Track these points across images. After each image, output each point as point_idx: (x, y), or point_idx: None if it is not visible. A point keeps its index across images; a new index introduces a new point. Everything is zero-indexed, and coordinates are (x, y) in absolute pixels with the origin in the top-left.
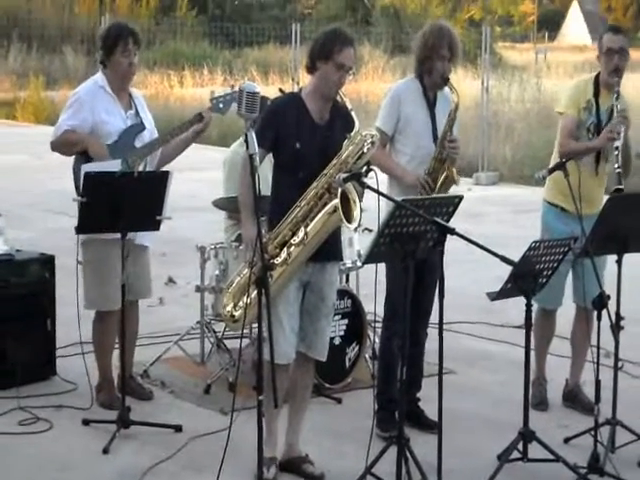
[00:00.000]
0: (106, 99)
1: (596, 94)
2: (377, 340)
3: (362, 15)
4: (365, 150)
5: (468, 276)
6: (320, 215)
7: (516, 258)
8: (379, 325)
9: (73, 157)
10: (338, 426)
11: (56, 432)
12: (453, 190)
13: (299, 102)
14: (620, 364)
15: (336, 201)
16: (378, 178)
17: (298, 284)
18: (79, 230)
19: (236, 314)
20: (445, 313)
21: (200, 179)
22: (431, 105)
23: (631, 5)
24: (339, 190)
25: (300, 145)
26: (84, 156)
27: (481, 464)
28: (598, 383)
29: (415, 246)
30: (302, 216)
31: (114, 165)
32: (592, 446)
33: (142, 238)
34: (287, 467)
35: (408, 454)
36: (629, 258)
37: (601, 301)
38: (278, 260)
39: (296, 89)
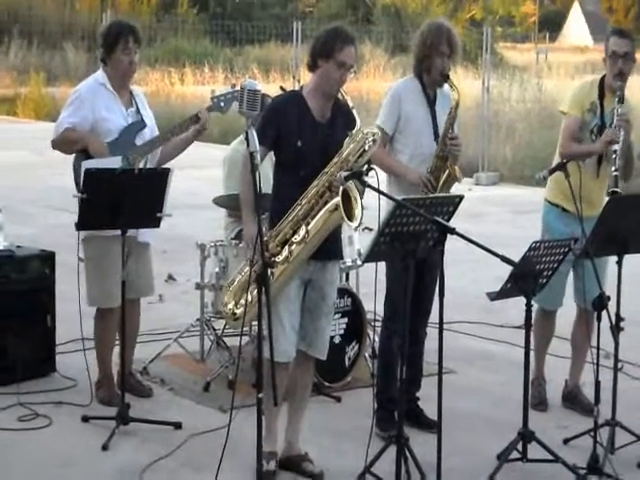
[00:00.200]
0: (107, 96)
1: (601, 96)
2: (377, 339)
3: (363, 14)
4: (366, 148)
5: (468, 276)
6: (321, 213)
7: (516, 258)
8: (379, 324)
9: (74, 155)
10: (337, 425)
11: (56, 428)
12: (455, 188)
13: (300, 100)
14: (620, 365)
15: (337, 199)
16: (379, 177)
17: (299, 282)
18: (79, 227)
19: (237, 312)
20: (445, 313)
21: (200, 177)
22: (431, 103)
23: (632, 6)
24: (340, 188)
25: (301, 143)
26: (84, 154)
27: (480, 464)
28: (598, 384)
29: (415, 245)
30: (303, 214)
31: (114, 162)
32: (591, 447)
33: (144, 235)
34: (286, 465)
35: (407, 453)
36: (629, 259)
37: (601, 302)
38: (279, 258)
39: (297, 87)
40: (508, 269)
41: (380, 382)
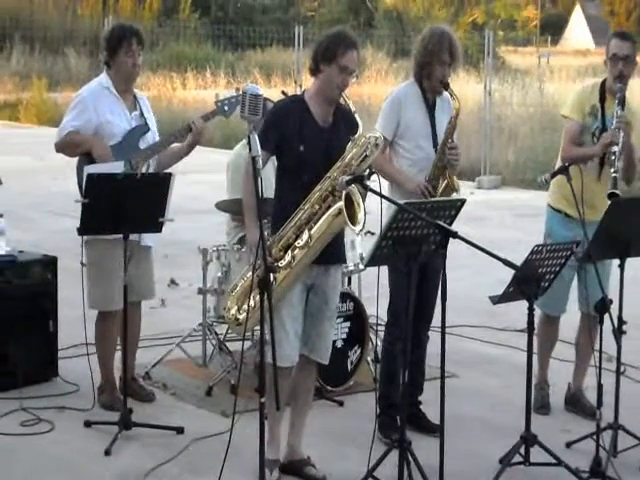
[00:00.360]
0: (110, 100)
1: (602, 99)
2: (379, 343)
3: (365, 18)
4: (369, 152)
5: (470, 279)
6: (324, 217)
7: (518, 262)
8: (381, 328)
9: (77, 158)
10: (340, 429)
11: (58, 433)
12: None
13: (302, 105)
14: (622, 368)
15: (340, 203)
16: (381, 181)
17: (302, 287)
18: (81, 232)
19: (240, 317)
20: (447, 316)
21: (203, 181)
22: (430, 109)
23: (634, 9)
24: (343, 192)
25: (304, 148)
26: (88, 157)
27: (483, 468)
28: (600, 387)
29: (418, 249)
30: (306, 219)
31: (117, 167)
32: (594, 450)
33: (146, 239)
34: (289, 470)
35: (410, 457)
36: (632, 262)
37: (603, 305)
38: (282, 263)
39: (299, 92)
40: (510, 273)
41: (382, 387)
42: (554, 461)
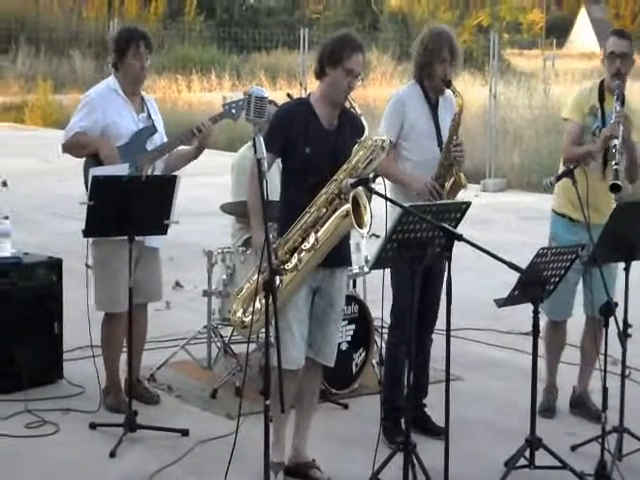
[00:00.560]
0: (118, 101)
1: (601, 99)
2: (384, 346)
3: (370, 21)
4: (375, 155)
5: (475, 282)
6: (331, 220)
7: (523, 265)
8: (386, 331)
9: (84, 159)
10: (345, 432)
11: (63, 435)
12: (462, 195)
13: (308, 108)
14: (627, 372)
15: (348, 206)
16: (386, 184)
17: (308, 290)
18: (86, 234)
19: (246, 320)
20: (452, 319)
21: (208, 184)
22: (433, 109)
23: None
24: (350, 194)
25: (310, 150)
26: (95, 158)
27: (488, 471)
28: (605, 391)
29: (423, 252)
30: (312, 222)
31: (122, 169)
32: (599, 454)
33: (152, 240)
34: (294, 472)
35: (415, 460)
36: (637, 265)
37: (608, 309)
38: (289, 266)
39: (304, 94)
40: (515, 276)
41: (386, 391)
42: (559, 464)
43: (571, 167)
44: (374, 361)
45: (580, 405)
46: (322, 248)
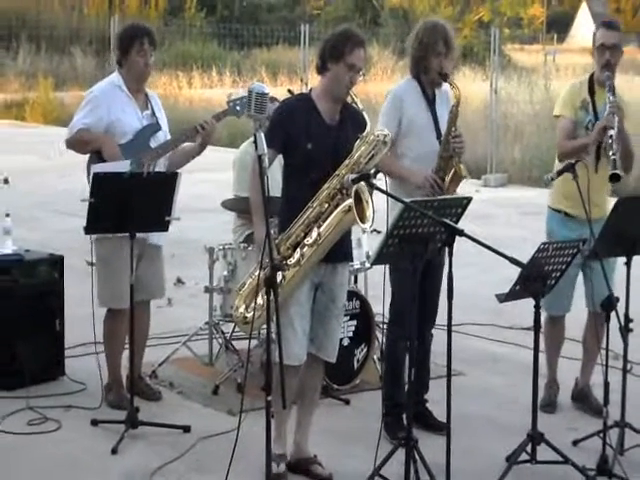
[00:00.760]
0: (122, 98)
1: (591, 93)
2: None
3: (371, 16)
4: (377, 150)
5: (476, 278)
6: (334, 215)
7: (525, 260)
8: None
9: (87, 156)
10: (346, 427)
11: (65, 432)
12: (463, 190)
13: (309, 103)
14: (629, 366)
15: (350, 200)
16: (387, 179)
17: (310, 285)
18: (87, 230)
19: (248, 316)
20: (453, 314)
21: (209, 180)
22: (431, 103)
23: None
24: (353, 189)
25: (312, 146)
26: (98, 155)
27: (489, 466)
28: (607, 385)
29: (424, 247)
30: (314, 217)
31: (123, 166)
32: (601, 448)
33: (154, 238)
34: (295, 468)
35: (416, 455)
36: (638, 260)
37: (610, 303)
38: (291, 261)
39: (305, 90)
40: (517, 271)
41: (387, 388)
42: (561, 459)
43: (572, 162)
44: (375, 357)
45: (582, 399)
46: (324, 243)
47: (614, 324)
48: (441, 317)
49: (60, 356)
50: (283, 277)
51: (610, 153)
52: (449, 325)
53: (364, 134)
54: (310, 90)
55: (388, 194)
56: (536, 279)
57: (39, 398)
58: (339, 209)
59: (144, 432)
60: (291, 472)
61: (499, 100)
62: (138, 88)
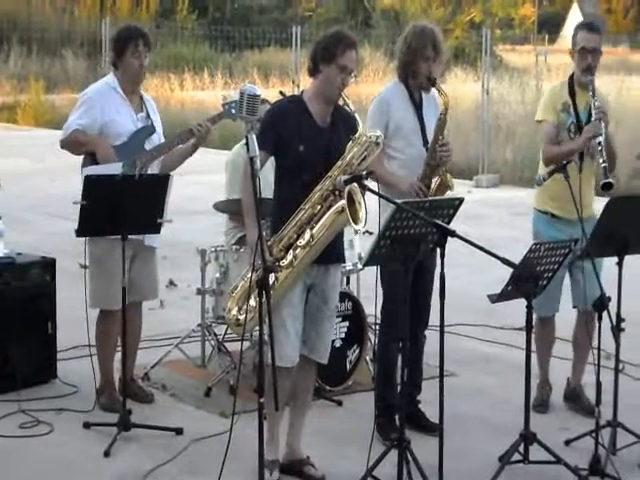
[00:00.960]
0: (117, 100)
1: (572, 94)
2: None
3: (362, 18)
4: (369, 152)
5: (468, 278)
6: (326, 216)
7: (517, 260)
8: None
9: (82, 158)
10: (339, 429)
11: (57, 435)
12: (455, 190)
13: (301, 105)
14: (621, 366)
15: (343, 202)
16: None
17: (302, 287)
18: (79, 233)
19: (241, 318)
20: (445, 315)
21: (201, 182)
22: (418, 108)
23: (632, 7)
24: (346, 190)
25: (303, 148)
26: (92, 157)
27: (482, 466)
28: (599, 385)
29: (416, 248)
30: (307, 218)
31: (115, 168)
32: (593, 448)
33: (150, 239)
34: (288, 469)
35: (409, 456)
36: (630, 260)
37: (602, 303)
38: (284, 263)
39: (297, 92)
40: (509, 271)
41: (379, 390)
42: (553, 459)
43: (564, 163)
44: (368, 358)
45: (574, 399)
46: (317, 245)
47: (606, 323)
48: (433, 318)
49: (52, 359)
50: (276, 279)
51: (600, 161)
52: (441, 326)
53: (356, 136)
54: (302, 92)
55: (380, 195)
56: (528, 279)
57: (31, 401)
58: (332, 210)
59: (137, 434)
60: (284, 473)
61: (491, 101)
62: (133, 90)
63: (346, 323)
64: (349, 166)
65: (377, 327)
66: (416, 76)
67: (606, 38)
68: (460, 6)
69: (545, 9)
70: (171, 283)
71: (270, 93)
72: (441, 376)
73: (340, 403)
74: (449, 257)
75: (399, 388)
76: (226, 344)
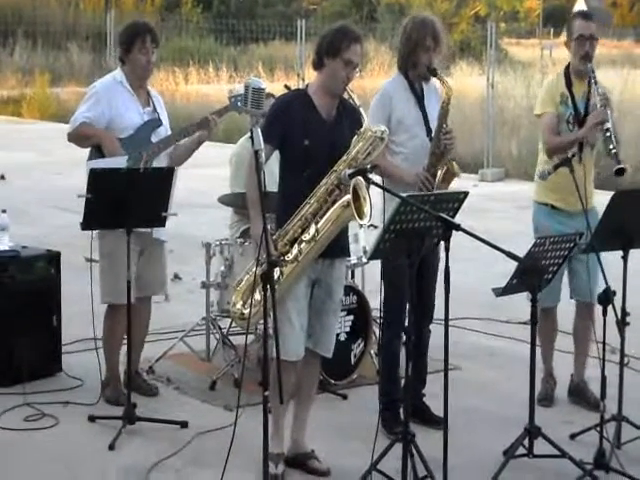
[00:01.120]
0: (124, 94)
1: (569, 85)
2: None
3: (367, 11)
4: (375, 146)
5: (473, 272)
6: (332, 210)
7: (521, 254)
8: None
9: (88, 151)
10: (344, 422)
11: (62, 428)
12: (460, 184)
13: (306, 99)
14: (626, 360)
15: (348, 196)
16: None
17: (307, 281)
18: (84, 226)
19: (245, 312)
20: (450, 309)
21: (206, 175)
22: (420, 99)
23: (637, 1)
24: (351, 185)
25: (309, 142)
26: (99, 150)
27: (487, 460)
28: (604, 379)
29: (420, 242)
30: (312, 213)
31: (119, 162)
32: (598, 442)
33: (158, 232)
34: (293, 463)
35: (414, 450)
36: (635, 253)
37: (607, 297)
38: (289, 257)
39: (302, 85)
40: (513, 265)
41: (383, 384)
42: (558, 453)
43: (568, 156)
44: (372, 352)
45: (579, 393)
46: (322, 239)
47: (611, 317)
48: (438, 312)
49: (57, 352)
50: (281, 273)
51: (611, 147)
52: (446, 320)
53: (361, 130)
54: (307, 86)
55: (385, 189)
56: (533, 273)
57: (36, 394)
58: (337, 205)
59: (141, 428)
60: (289, 467)
61: (496, 94)
62: (140, 85)
63: (351, 317)
64: (354, 160)
65: (381, 321)
66: (416, 67)
67: (611, 32)
68: (465, 0)
69: (550, 2)
70: (176, 276)
71: (275, 87)
72: (446, 370)
73: (345, 397)
74: (454, 251)
75: (403, 382)
76: (231, 337)
